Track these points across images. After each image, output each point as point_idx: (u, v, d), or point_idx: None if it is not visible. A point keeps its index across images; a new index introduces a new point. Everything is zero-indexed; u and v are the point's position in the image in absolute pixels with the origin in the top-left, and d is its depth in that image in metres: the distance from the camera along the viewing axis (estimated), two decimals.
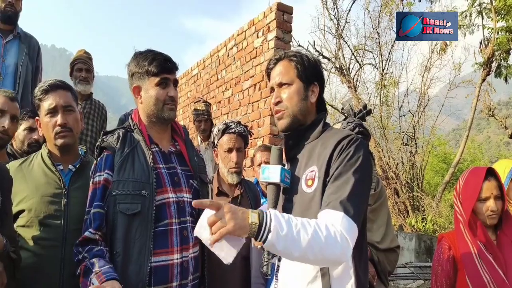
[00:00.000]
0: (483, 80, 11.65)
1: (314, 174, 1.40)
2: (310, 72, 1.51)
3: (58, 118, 1.83)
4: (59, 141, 1.84)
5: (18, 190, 1.73)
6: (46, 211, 1.75)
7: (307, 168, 1.44)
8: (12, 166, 1.83)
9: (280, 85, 1.52)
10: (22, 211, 1.74)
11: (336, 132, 1.48)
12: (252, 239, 1.37)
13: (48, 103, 1.83)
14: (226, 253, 1.26)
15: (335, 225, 1.23)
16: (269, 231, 1.17)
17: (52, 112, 1.84)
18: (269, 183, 1.46)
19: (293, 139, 1.53)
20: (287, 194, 1.50)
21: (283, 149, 1.53)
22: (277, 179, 1.44)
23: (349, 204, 1.27)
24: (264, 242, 1.18)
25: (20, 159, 1.94)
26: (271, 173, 1.45)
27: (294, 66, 1.51)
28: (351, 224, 1.25)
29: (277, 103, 1.52)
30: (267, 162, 2.32)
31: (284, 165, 1.50)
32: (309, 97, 1.51)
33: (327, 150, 1.39)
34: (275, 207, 1.45)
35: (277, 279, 1.51)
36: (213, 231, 1.18)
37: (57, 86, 1.87)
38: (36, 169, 1.85)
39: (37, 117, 1.94)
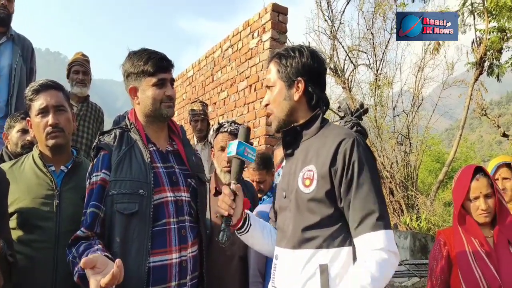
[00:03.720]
0: (476, 80, 11.77)
1: (312, 175, 1.39)
2: (292, 69, 1.48)
3: (49, 118, 1.80)
4: (51, 142, 1.81)
5: (9, 192, 1.68)
6: (38, 212, 1.73)
7: (304, 166, 1.44)
8: (3, 168, 1.78)
9: (268, 87, 1.56)
10: (13, 213, 1.72)
11: (334, 129, 1.47)
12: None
13: (39, 103, 1.81)
14: None
15: (379, 248, 1.30)
16: None
17: (43, 112, 1.81)
18: (232, 157, 1.54)
19: (290, 135, 1.53)
20: (285, 192, 1.51)
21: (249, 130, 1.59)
22: (233, 152, 1.51)
23: (382, 217, 1.32)
24: None
25: (11, 161, 1.91)
26: (231, 147, 1.53)
27: (277, 67, 1.52)
28: (389, 235, 1.32)
29: (266, 105, 1.58)
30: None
31: (252, 143, 1.57)
32: (293, 96, 1.49)
33: (326, 151, 1.39)
34: (238, 179, 1.54)
35: (274, 277, 1.51)
36: None
37: (48, 86, 1.85)
38: (27, 170, 1.82)
39: (28, 118, 1.90)
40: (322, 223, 1.38)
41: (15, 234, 1.70)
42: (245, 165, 1.58)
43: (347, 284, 1.28)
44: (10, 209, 1.70)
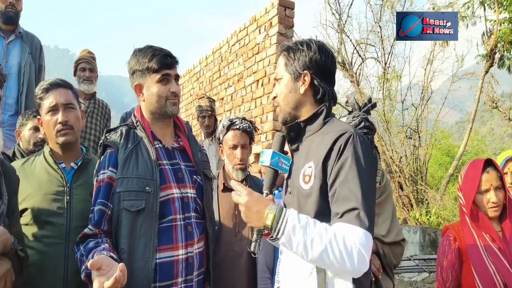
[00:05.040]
0: (486, 72, 11.62)
1: (311, 171, 1.39)
2: (299, 62, 1.47)
3: (59, 116, 1.84)
4: (61, 139, 1.85)
5: (21, 189, 1.73)
6: (49, 209, 1.77)
7: (305, 163, 1.43)
8: (15, 165, 1.84)
9: (276, 80, 1.56)
10: (25, 210, 1.76)
11: (336, 125, 1.45)
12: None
13: (49, 101, 1.85)
14: None
15: (353, 240, 1.22)
16: (282, 233, 1.24)
17: (53, 110, 1.85)
18: (265, 167, 1.51)
19: (294, 131, 1.52)
20: (289, 187, 1.51)
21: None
22: (267, 162, 1.48)
23: (364, 215, 1.24)
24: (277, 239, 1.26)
25: (23, 159, 1.96)
26: (265, 156, 1.50)
27: (285, 60, 1.51)
28: (367, 237, 1.23)
29: (274, 98, 1.57)
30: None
31: (286, 153, 1.52)
32: (298, 89, 1.48)
33: (323, 148, 1.37)
34: (271, 189, 1.50)
35: (278, 272, 1.53)
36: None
37: (58, 85, 1.89)
38: (38, 167, 1.86)
39: (38, 116, 1.94)
40: (318, 220, 1.33)
41: (27, 230, 1.75)
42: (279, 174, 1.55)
43: (307, 232, 1.23)
44: (22, 206, 1.74)
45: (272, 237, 1.30)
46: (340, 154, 1.32)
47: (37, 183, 1.81)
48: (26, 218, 1.75)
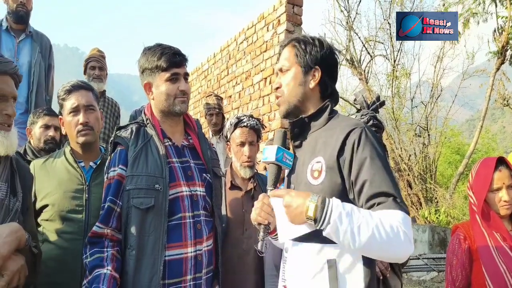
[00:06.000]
0: (497, 69, 11.49)
1: (321, 166, 1.38)
2: (311, 56, 1.46)
3: (80, 117, 1.92)
4: (81, 139, 1.92)
5: (42, 186, 1.83)
6: (69, 206, 1.84)
7: (312, 159, 1.42)
8: (37, 163, 1.93)
9: (281, 70, 1.53)
10: (46, 206, 1.83)
11: (342, 120, 1.45)
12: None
13: (71, 102, 1.93)
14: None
15: (396, 223, 1.23)
16: (328, 223, 1.22)
17: (75, 111, 1.93)
18: (269, 163, 1.50)
19: (299, 127, 1.51)
20: (293, 184, 1.50)
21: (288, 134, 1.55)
22: (272, 158, 1.47)
23: (401, 201, 1.27)
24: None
25: (44, 157, 2.03)
26: (269, 153, 1.48)
27: (295, 51, 1.49)
28: (408, 220, 1.25)
29: (276, 89, 1.54)
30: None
31: (288, 148, 1.52)
32: (308, 83, 1.47)
33: (334, 142, 1.37)
34: (275, 185, 1.48)
35: (284, 270, 1.50)
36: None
37: (79, 87, 1.98)
38: (59, 166, 1.93)
39: (60, 116, 2.02)
40: None
41: (48, 225, 1.83)
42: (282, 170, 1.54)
43: (358, 220, 1.21)
44: (43, 202, 1.83)
45: (319, 227, 1.25)
46: (356, 149, 1.33)
47: (57, 181, 1.88)
48: (46, 214, 1.83)
